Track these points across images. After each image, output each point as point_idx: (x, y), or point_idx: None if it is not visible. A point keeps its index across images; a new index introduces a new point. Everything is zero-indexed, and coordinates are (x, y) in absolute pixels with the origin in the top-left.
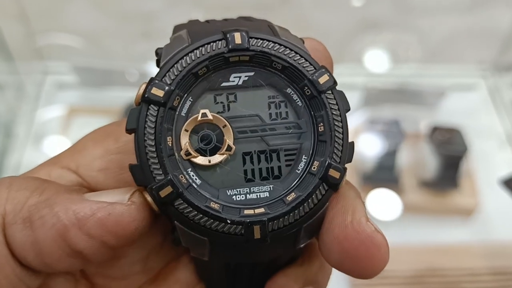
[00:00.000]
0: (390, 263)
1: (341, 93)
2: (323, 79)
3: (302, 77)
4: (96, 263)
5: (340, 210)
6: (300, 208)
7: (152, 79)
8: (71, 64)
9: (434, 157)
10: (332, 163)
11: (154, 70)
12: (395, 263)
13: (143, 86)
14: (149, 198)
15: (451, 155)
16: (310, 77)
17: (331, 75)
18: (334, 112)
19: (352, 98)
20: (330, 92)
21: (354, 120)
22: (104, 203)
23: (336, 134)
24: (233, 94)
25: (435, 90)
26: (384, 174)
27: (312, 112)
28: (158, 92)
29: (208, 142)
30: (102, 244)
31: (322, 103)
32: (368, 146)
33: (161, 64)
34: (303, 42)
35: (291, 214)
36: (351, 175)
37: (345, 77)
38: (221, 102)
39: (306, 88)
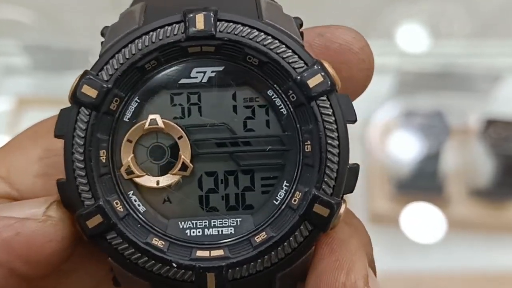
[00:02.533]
0: None
1: (344, 99)
2: (314, 80)
3: (285, 77)
4: None
5: (333, 264)
6: (272, 253)
7: (85, 73)
8: (21, 42)
9: (488, 158)
10: (320, 195)
11: None
12: None
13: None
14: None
15: (510, 156)
16: (296, 78)
17: (327, 75)
18: (328, 126)
19: (382, 84)
20: (324, 98)
21: (384, 112)
22: (12, 219)
23: (329, 157)
24: (196, 94)
25: (487, 73)
26: (425, 181)
27: (298, 125)
28: (90, 92)
29: (160, 156)
30: (10, 272)
31: (311, 113)
32: (403, 145)
33: (101, 51)
34: (300, 26)
35: (259, 260)
36: (382, 184)
37: None
38: (180, 105)
39: (291, 92)
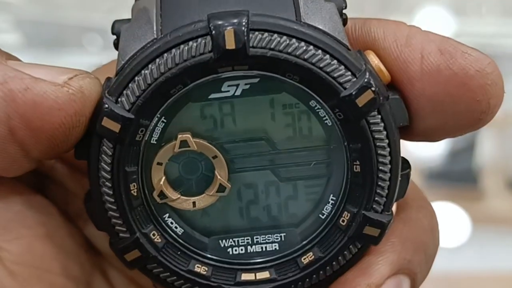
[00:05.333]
0: None
1: (396, 103)
2: (364, 98)
3: (331, 93)
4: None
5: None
6: (321, 272)
7: (104, 99)
8: (13, 18)
9: None
10: (371, 216)
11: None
12: None
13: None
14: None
15: None
16: (343, 96)
17: (378, 87)
18: (379, 144)
19: None
20: (375, 113)
21: None
22: (26, 74)
23: (380, 175)
24: (228, 104)
25: None
26: (458, 172)
27: (346, 143)
28: (111, 125)
29: (193, 170)
30: (9, 133)
31: (361, 132)
32: None
33: (117, 68)
34: (344, 18)
35: (307, 279)
36: (413, 175)
37: None
38: (211, 116)
39: (337, 110)
